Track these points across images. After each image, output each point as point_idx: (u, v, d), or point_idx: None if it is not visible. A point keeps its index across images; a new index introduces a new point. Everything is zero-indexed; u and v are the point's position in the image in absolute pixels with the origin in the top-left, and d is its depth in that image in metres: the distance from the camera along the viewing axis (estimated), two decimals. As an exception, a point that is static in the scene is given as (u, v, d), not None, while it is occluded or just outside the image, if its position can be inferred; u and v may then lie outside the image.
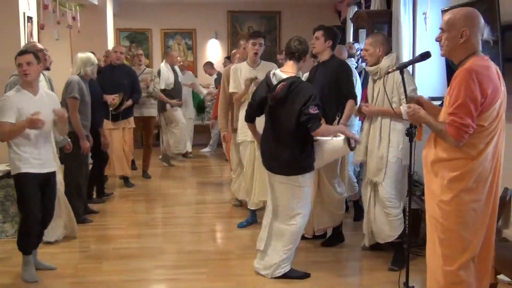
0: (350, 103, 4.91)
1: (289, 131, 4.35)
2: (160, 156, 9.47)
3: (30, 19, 6.05)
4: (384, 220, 4.67)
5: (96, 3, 9.69)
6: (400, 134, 4.38)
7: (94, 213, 6.46)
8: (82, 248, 5.35)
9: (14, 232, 5.35)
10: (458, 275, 3.23)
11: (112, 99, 7.18)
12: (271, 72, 4.46)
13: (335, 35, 5.07)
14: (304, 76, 6.14)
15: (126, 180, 7.90)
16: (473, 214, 3.17)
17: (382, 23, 7.63)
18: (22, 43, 5.80)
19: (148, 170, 8.51)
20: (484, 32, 3.23)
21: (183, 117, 9.18)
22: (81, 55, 6.16)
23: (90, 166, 6.77)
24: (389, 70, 3.64)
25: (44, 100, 4.46)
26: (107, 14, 9.96)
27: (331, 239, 5.38)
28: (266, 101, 4.44)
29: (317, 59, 5.83)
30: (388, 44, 4.66)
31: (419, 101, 3.47)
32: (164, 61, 9.07)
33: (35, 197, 4.44)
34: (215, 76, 10.53)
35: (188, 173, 9.09)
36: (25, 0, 5.92)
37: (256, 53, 5.75)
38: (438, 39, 3.30)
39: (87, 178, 6.49)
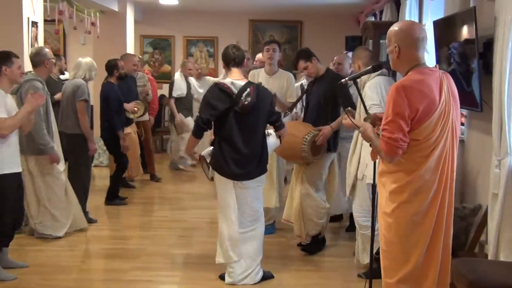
0: (343, 113, 4.94)
1: (261, 131, 4.58)
2: (169, 163, 9.64)
3: (35, 24, 6.25)
4: (361, 238, 4.65)
5: (116, 9, 9.91)
6: (368, 151, 4.23)
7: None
8: (70, 247, 5.49)
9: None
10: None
11: (134, 106, 7.41)
12: (229, 82, 4.49)
13: (309, 51, 5.18)
14: (296, 86, 6.19)
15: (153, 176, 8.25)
16: (414, 227, 3.14)
17: (389, 34, 7.58)
18: (25, 47, 6.01)
19: (155, 172, 8.69)
20: (422, 45, 3.21)
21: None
22: (85, 60, 6.34)
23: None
24: (342, 80, 3.64)
25: (10, 99, 4.64)
26: (127, 21, 10.16)
27: (311, 246, 5.38)
28: (229, 111, 4.43)
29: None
30: (367, 57, 4.65)
31: (377, 117, 3.46)
32: (179, 70, 9.24)
33: (14, 197, 4.58)
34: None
35: (196, 178, 9.14)
36: (29, 6, 6.12)
37: (269, 58, 5.85)
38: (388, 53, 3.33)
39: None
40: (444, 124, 3.14)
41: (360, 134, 4.43)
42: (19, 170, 4.64)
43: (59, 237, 5.58)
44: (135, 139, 7.78)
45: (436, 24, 5.49)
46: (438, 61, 5.48)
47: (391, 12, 8.03)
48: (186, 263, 5.11)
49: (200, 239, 5.91)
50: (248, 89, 4.44)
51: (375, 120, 3.45)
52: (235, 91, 4.42)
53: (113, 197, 7.15)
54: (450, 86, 3.22)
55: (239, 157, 4.47)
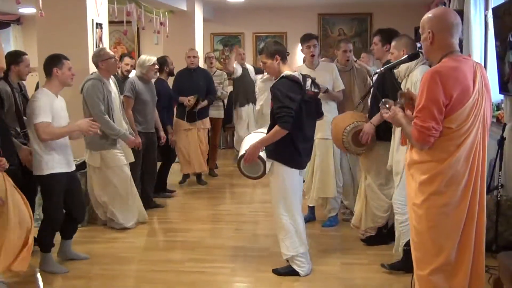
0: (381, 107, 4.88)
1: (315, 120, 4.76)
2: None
3: (99, 25, 6.52)
4: (396, 226, 4.57)
5: (185, 9, 10.14)
6: None
7: (158, 207, 6.86)
8: (130, 239, 5.71)
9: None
10: (429, 280, 3.14)
11: (188, 100, 7.60)
12: (297, 72, 4.56)
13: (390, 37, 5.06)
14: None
15: (199, 178, 8.24)
16: (444, 218, 3.08)
17: (454, 23, 7.34)
18: (90, 49, 6.26)
19: (214, 168, 8.89)
20: (457, 31, 3.12)
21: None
22: (141, 57, 6.65)
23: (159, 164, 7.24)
24: (377, 71, 3.59)
25: (62, 102, 4.81)
26: (195, 19, 10.38)
27: (373, 238, 5.33)
28: (300, 102, 4.45)
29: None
30: (413, 46, 4.52)
31: (411, 97, 3.39)
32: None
33: (61, 197, 4.75)
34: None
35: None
36: (94, 8, 6.39)
37: (312, 55, 5.85)
38: (421, 42, 3.26)
39: (153, 175, 6.93)
40: (477, 114, 3.07)
41: None
42: (68, 170, 4.77)
43: (127, 228, 5.90)
44: (196, 137, 7.86)
45: (496, 11, 5.30)
46: (497, 50, 5.29)
47: (458, 0, 7.78)
48: (240, 255, 5.20)
49: (260, 232, 6.00)
50: (310, 79, 4.54)
51: (409, 98, 3.36)
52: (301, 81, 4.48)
53: (159, 190, 7.34)
54: (483, 76, 3.14)
55: (307, 146, 4.63)
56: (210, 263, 5.02)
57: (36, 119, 4.52)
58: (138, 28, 10.93)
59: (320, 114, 4.76)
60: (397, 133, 4.40)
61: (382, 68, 3.51)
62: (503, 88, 5.23)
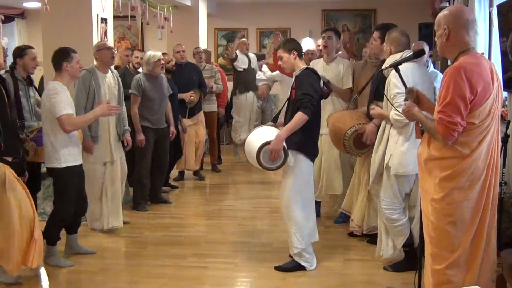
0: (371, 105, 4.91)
1: None
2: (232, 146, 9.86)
3: (104, 20, 6.53)
4: (384, 230, 4.57)
5: (189, 4, 10.14)
6: (393, 140, 4.24)
7: (166, 203, 6.88)
8: (134, 234, 5.74)
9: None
10: (445, 274, 3.18)
11: (190, 96, 7.60)
12: (313, 67, 4.68)
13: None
14: None
15: (197, 172, 8.27)
16: (464, 213, 3.12)
17: (458, 20, 7.33)
18: (95, 43, 6.26)
19: (216, 163, 8.87)
20: (473, 28, 3.14)
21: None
22: (146, 54, 6.62)
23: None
24: (382, 68, 3.59)
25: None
26: (199, 15, 10.38)
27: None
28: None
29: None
30: (401, 42, 4.46)
31: (417, 95, 3.41)
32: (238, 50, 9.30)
33: (75, 188, 4.77)
34: None
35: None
36: (99, 3, 6.40)
37: (324, 46, 5.86)
38: (436, 39, 3.28)
39: (163, 170, 6.93)
40: (495, 110, 3.13)
41: (386, 123, 4.39)
42: (80, 162, 4.85)
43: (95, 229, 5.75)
44: (193, 132, 7.85)
45: (500, 7, 5.29)
46: (501, 47, 5.28)
47: (464, -3, 7.77)
48: (243, 251, 5.22)
49: (262, 227, 6.01)
50: (321, 80, 4.64)
51: (416, 95, 3.38)
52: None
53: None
54: (497, 74, 3.16)
55: (318, 138, 4.75)
56: (214, 258, 5.03)
57: (60, 112, 4.54)
58: (142, 23, 10.92)
59: None
60: (388, 135, 4.40)
61: (388, 66, 3.51)
62: (507, 85, 5.23)
